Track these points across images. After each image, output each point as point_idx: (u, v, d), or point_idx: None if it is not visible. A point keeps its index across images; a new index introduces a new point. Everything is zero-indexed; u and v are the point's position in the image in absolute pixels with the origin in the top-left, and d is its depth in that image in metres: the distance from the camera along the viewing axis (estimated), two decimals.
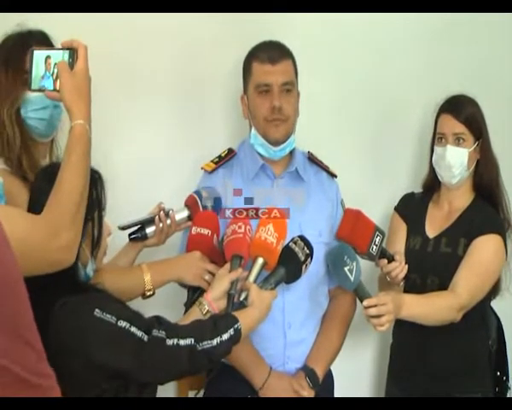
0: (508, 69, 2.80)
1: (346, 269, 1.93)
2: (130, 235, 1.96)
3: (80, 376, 1.42)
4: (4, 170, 1.76)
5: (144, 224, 1.97)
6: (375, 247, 2.02)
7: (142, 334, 1.47)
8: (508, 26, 2.75)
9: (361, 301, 1.94)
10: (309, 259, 1.92)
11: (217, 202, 2.05)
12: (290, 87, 2.06)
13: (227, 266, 1.84)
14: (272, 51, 2.05)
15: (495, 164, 2.28)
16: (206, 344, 1.56)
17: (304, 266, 1.90)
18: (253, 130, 2.09)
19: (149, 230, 1.97)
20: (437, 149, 2.26)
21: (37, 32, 1.83)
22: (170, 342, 1.51)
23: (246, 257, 1.86)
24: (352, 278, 1.93)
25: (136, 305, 1.70)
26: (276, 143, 2.06)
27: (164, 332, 1.51)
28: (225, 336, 1.59)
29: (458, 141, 2.21)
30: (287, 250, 1.90)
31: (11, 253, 0.92)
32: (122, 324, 1.45)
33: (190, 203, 2.03)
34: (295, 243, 1.91)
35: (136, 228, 1.96)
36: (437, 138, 2.27)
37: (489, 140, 2.26)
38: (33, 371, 0.90)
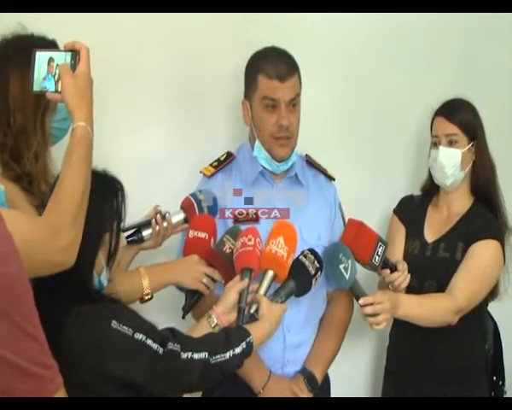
0: (506, 71, 2.81)
1: (341, 267, 1.93)
2: (126, 238, 1.95)
3: (91, 386, 1.40)
4: (4, 177, 1.72)
5: (141, 227, 1.96)
6: (377, 257, 2.00)
7: (158, 346, 1.46)
8: (506, 27, 2.75)
9: (357, 300, 1.94)
10: (319, 272, 1.91)
11: (214, 203, 2.04)
12: (296, 101, 2.04)
13: (236, 278, 1.83)
14: (280, 67, 1.99)
15: (491, 165, 2.29)
16: (220, 358, 1.55)
17: (314, 279, 1.89)
18: (258, 143, 2.07)
19: (146, 233, 1.96)
20: (432, 152, 2.28)
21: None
22: (184, 355, 1.50)
23: (256, 270, 1.85)
24: (347, 276, 1.93)
25: (134, 309, 1.69)
26: (281, 160, 2.06)
27: (179, 345, 1.50)
28: (238, 350, 1.59)
29: (451, 142, 2.22)
30: (297, 264, 1.89)
31: (14, 249, 0.94)
32: (138, 336, 1.44)
33: (186, 206, 2.02)
34: (305, 256, 1.90)
35: (132, 231, 1.95)
36: (432, 142, 2.29)
37: (485, 141, 2.27)
38: (36, 363, 0.92)
